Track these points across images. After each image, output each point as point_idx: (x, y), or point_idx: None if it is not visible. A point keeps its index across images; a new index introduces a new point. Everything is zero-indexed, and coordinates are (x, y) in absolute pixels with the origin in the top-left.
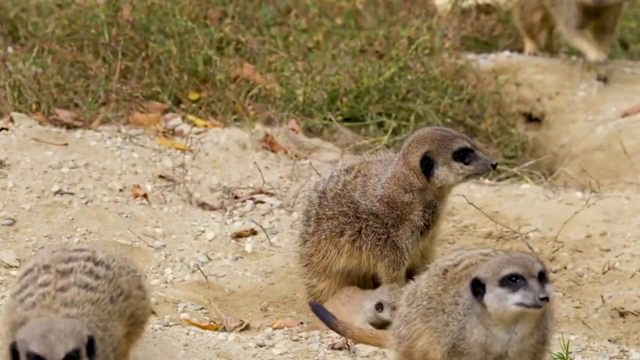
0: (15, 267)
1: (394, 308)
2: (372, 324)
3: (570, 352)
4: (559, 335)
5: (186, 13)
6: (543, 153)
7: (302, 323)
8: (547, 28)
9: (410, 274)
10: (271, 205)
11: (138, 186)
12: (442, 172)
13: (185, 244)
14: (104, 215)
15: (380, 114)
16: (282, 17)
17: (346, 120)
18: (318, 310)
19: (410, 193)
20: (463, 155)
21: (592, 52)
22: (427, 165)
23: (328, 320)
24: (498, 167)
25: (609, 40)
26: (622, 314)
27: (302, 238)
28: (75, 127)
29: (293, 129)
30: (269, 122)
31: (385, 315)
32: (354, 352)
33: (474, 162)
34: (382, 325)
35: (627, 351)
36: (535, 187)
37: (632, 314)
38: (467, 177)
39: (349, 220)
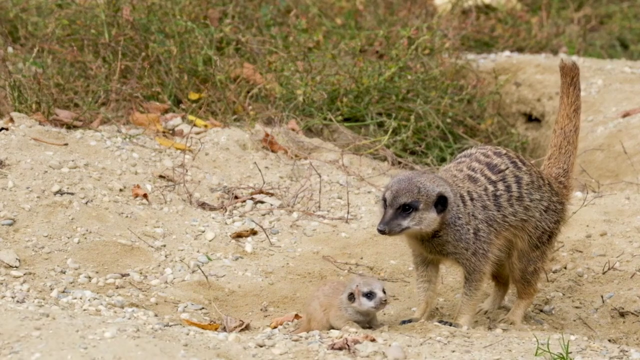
0: (15, 267)
1: (364, 294)
2: (357, 321)
3: (570, 352)
4: (559, 335)
5: (186, 13)
6: (543, 153)
7: (297, 316)
8: None
9: None
10: (271, 205)
11: (138, 186)
12: None
13: (185, 244)
14: (104, 215)
15: (380, 114)
16: (282, 17)
17: (346, 120)
18: None
19: None
20: None
21: None
22: None
23: None
24: None
25: None
26: (622, 314)
27: None
28: (75, 127)
29: (293, 129)
30: (269, 122)
31: (356, 304)
32: (354, 352)
33: None
34: (367, 319)
35: (627, 351)
36: None
37: (632, 314)
38: None
39: None
